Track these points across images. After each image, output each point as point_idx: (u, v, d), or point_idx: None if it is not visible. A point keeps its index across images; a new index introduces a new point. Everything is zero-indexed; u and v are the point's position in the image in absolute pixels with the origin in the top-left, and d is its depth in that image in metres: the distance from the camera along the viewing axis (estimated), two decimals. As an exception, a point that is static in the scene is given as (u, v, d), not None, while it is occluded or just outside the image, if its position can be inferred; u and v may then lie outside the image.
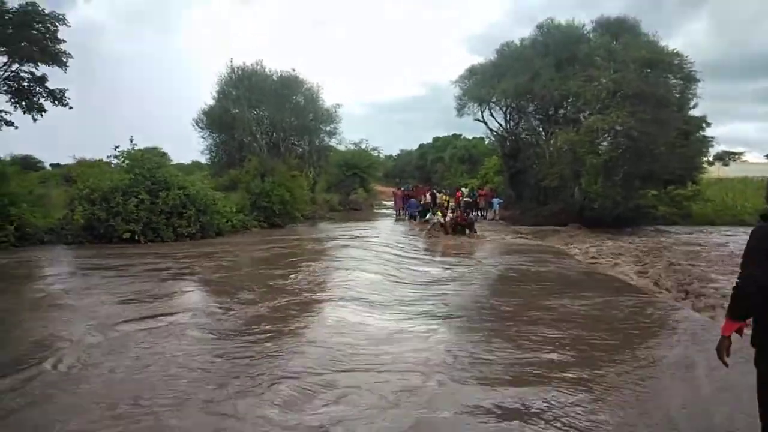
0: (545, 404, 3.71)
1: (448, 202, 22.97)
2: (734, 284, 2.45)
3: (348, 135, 36.75)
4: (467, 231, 15.92)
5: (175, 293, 7.52)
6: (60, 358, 4.56)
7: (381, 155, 42.15)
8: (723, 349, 2.51)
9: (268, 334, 5.37)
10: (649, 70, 18.34)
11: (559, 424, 3.41)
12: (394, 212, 26.78)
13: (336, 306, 6.75)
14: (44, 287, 7.88)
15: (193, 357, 4.64)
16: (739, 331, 2.50)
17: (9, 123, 19.24)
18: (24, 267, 9.90)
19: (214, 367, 4.41)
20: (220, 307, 6.53)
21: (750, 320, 2.49)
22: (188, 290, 7.83)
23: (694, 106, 20.22)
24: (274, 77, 27.01)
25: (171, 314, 6.15)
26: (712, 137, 21.47)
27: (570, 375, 4.30)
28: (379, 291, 7.80)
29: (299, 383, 4.03)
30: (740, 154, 51.25)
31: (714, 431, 3.41)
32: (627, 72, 18.12)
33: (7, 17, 17.72)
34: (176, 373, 4.24)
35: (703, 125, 21.08)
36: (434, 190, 25.99)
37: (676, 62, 19.07)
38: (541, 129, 23.82)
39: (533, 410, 3.62)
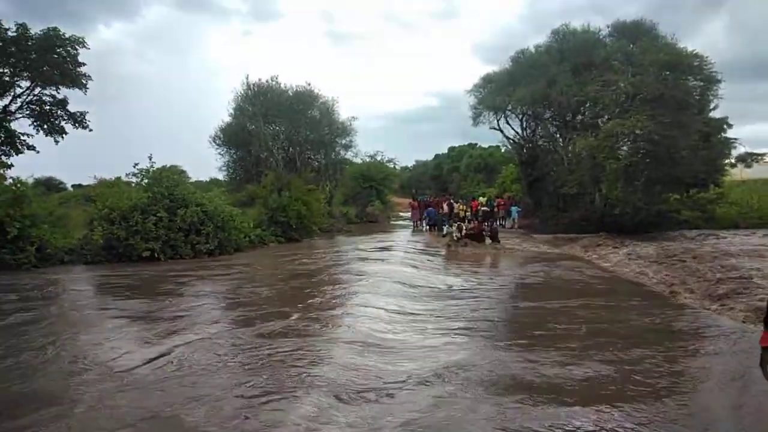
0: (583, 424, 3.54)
1: (466, 212, 22.79)
2: None
3: (363, 147, 36.73)
4: (488, 241, 15.71)
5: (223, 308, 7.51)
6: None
7: (397, 167, 42.08)
8: (766, 363, 2.31)
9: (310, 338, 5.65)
10: (668, 73, 18.02)
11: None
12: (412, 224, 26.63)
13: (363, 317, 6.66)
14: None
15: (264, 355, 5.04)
16: None
17: (31, 147, 19.63)
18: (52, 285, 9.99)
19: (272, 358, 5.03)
20: (261, 319, 6.63)
21: None
22: (226, 305, 7.81)
23: (715, 108, 19.79)
24: (290, 92, 27.24)
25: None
26: (735, 139, 20.92)
27: (603, 391, 4.11)
28: (404, 302, 7.69)
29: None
30: (763, 155, 50.03)
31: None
32: (646, 75, 17.83)
33: (30, 42, 18.17)
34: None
35: (725, 127, 20.60)
36: (451, 201, 25.84)
37: (696, 64, 18.71)
38: (558, 135, 23.49)
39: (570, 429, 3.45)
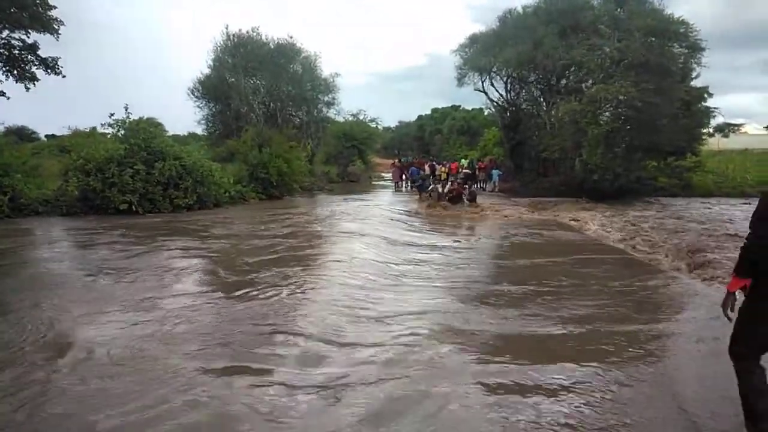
0: (550, 380, 3.66)
1: (448, 174, 22.86)
2: (743, 244, 2.63)
3: (346, 105, 35.89)
4: (467, 202, 15.81)
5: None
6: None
7: (379, 127, 41.68)
8: (728, 304, 2.72)
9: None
10: (654, 39, 17.93)
11: (570, 400, 3.36)
12: (393, 184, 26.64)
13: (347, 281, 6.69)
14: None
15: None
16: (744, 289, 2.67)
17: (1, 93, 18.86)
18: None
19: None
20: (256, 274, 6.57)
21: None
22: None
23: (697, 76, 19.85)
24: (271, 45, 26.42)
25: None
26: (715, 108, 21.09)
27: (575, 347, 4.25)
28: (384, 259, 7.76)
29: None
30: (740, 125, 50.71)
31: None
32: (632, 41, 17.72)
33: (-5, -18, 17.16)
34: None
35: (705, 96, 20.73)
36: (433, 162, 25.83)
37: (681, 30, 18.63)
38: (542, 99, 23.40)
39: (540, 386, 3.57)
